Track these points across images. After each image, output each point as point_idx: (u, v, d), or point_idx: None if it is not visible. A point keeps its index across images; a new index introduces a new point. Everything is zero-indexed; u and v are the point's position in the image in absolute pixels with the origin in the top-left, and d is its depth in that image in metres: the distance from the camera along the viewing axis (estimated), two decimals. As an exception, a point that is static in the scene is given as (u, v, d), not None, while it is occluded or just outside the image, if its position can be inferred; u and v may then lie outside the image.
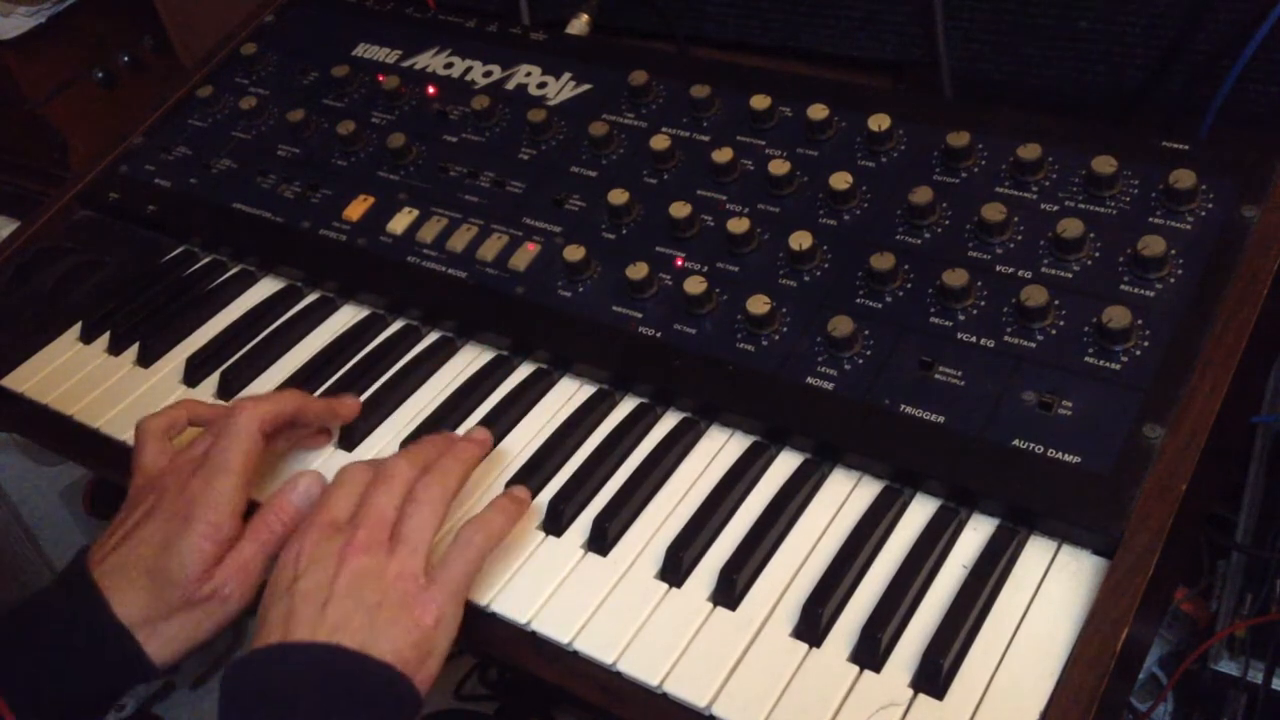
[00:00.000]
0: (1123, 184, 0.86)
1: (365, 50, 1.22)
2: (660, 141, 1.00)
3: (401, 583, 0.74)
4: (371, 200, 1.07)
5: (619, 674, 0.74)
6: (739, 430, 0.86)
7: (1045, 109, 1.04)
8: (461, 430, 0.89)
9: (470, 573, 0.77)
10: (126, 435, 0.96)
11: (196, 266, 1.11)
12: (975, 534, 0.77)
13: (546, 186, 1.03)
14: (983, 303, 0.84)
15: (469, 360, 0.96)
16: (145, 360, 1.03)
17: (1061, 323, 0.81)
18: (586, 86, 1.10)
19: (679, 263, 0.93)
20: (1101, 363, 0.78)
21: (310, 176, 1.12)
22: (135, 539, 0.80)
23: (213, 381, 0.99)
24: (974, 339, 0.82)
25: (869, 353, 0.84)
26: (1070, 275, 0.83)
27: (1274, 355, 0.95)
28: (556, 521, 0.82)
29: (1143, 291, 0.81)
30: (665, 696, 0.72)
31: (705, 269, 0.92)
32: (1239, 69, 0.94)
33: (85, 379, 1.02)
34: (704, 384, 0.86)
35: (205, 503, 0.80)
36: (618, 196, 0.97)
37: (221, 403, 0.90)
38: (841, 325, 0.83)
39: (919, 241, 0.89)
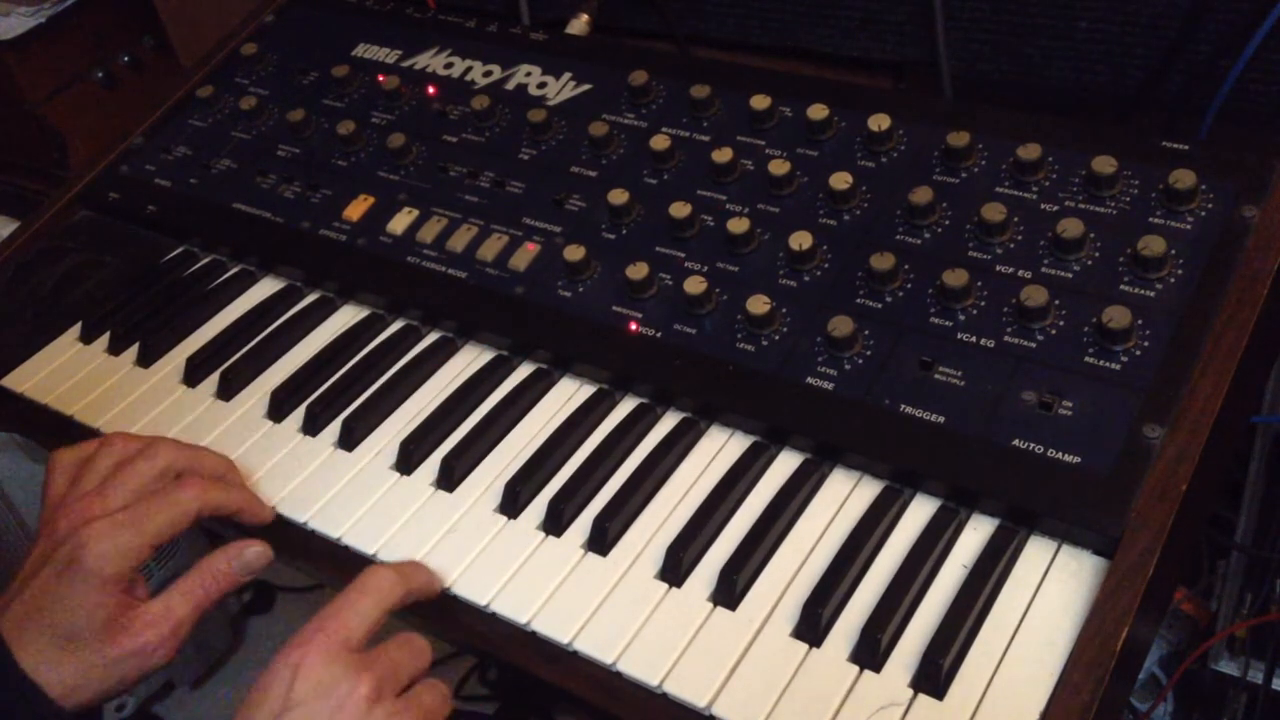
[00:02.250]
0: (1123, 184, 0.86)
1: (365, 50, 1.22)
2: (660, 141, 1.00)
3: None
4: (371, 200, 1.07)
5: (619, 674, 0.74)
6: (739, 430, 0.86)
7: (1045, 109, 1.04)
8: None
9: None
10: (126, 435, 0.96)
11: (196, 266, 1.11)
12: (975, 534, 0.77)
13: (546, 186, 1.03)
14: (983, 303, 0.84)
15: (469, 360, 0.96)
16: (145, 360, 1.03)
17: (1061, 323, 0.81)
18: (586, 86, 1.10)
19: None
20: (1101, 363, 0.78)
21: (310, 176, 1.12)
22: (33, 587, 0.76)
23: (213, 381, 0.99)
24: (974, 339, 0.82)
25: (869, 353, 0.84)
26: (1070, 275, 0.83)
27: (1274, 355, 0.95)
28: (556, 521, 0.82)
29: (1143, 291, 0.81)
30: (665, 696, 0.72)
31: (705, 269, 0.92)
32: (1239, 69, 0.94)
33: (85, 379, 1.02)
34: (704, 384, 0.86)
35: (100, 554, 0.76)
36: (618, 196, 0.97)
37: (147, 437, 0.85)
38: (841, 325, 0.83)
39: (919, 241, 0.89)
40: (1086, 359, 0.79)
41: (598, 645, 0.75)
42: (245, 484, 0.88)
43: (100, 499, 0.80)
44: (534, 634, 0.77)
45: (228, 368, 0.99)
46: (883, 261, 0.86)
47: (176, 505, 0.80)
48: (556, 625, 0.76)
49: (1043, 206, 0.87)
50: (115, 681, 0.76)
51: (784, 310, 0.87)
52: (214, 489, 0.83)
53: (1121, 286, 0.81)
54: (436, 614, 0.80)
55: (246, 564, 0.81)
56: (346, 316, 1.03)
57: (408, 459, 0.89)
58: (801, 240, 0.89)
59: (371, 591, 0.75)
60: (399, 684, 0.73)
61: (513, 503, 0.84)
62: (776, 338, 0.86)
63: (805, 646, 0.73)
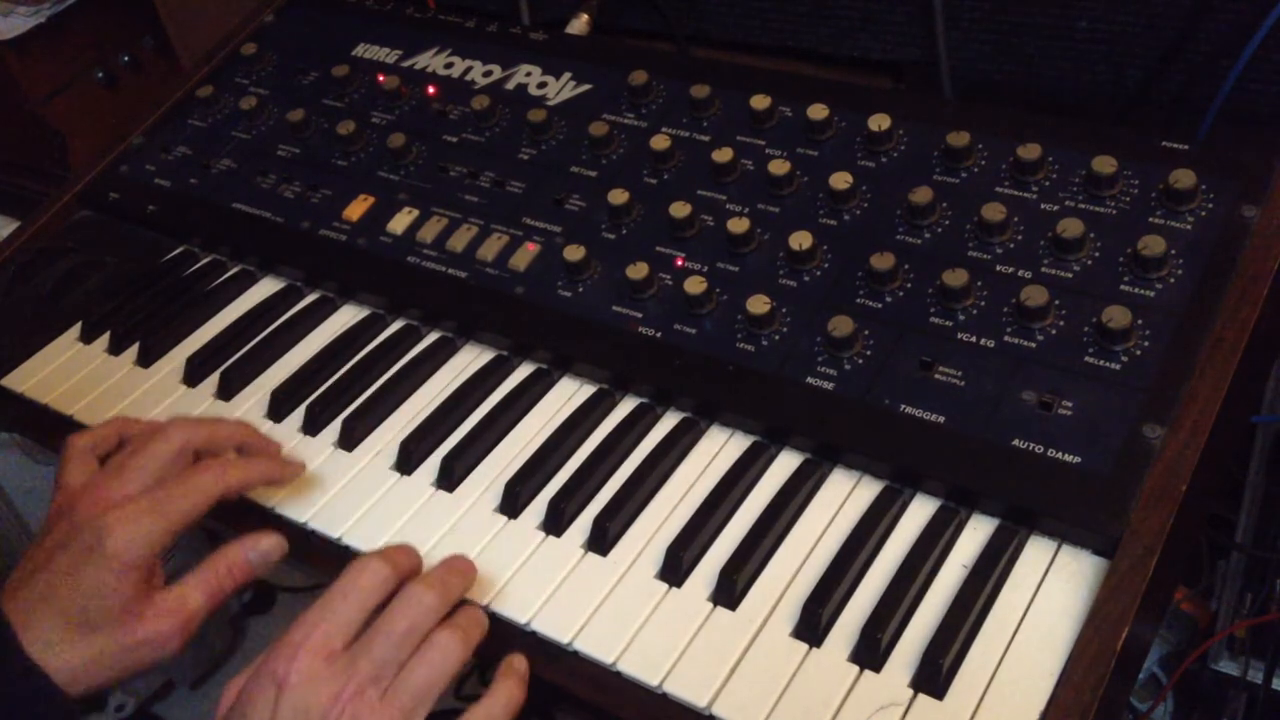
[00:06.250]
0: (1123, 184, 0.86)
1: (365, 50, 1.22)
2: (660, 141, 1.00)
3: None
4: (371, 200, 1.07)
5: (619, 674, 0.74)
6: (739, 430, 0.86)
7: (1045, 109, 1.04)
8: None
9: None
10: (126, 435, 0.96)
11: (196, 266, 1.11)
12: (975, 534, 0.77)
13: (546, 186, 1.03)
14: (983, 303, 0.84)
15: (469, 360, 0.96)
16: (145, 360, 1.03)
17: (1061, 323, 0.81)
18: (586, 86, 1.10)
19: (679, 262, 0.93)
20: (1101, 363, 0.78)
21: (310, 176, 1.12)
22: (49, 570, 0.75)
23: (213, 381, 0.99)
24: (974, 339, 0.82)
25: (869, 353, 0.84)
26: (1070, 275, 0.83)
27: (1274, 355, 0.95)
28: (556, 521, 0.82)
29: (1143, 291, 0.81)
30: (665, 696, 0.72)
31: (705, 269, 0.92)
32: (1239, 69, 0.94)
33: (85, 379, 1.02)
34: (704, 384, 0.86)
35: (123, 539, 0.75)
36: (618, 196, 0.97)
37: (161, 421, 0.86)
38: (841, 325, 0.83)
39: (919, 241, 0.89)
40: (1086, 359, 0.79)
41: (598, 645, 0.75)
42: (267, 447, 0.88)
43: (119, 484, 0.79)
44: (534, 634, 0.77)
45: (228, 367, 0.99)
46: (883, 261, 0.86)
47: (197, 490, 0.79)
48: (556, 625, 0.76)
49: (1043, 206, 0.87)
50: (124, 669, 0.75)
51: (784, 310, 0.87)
52: (233, 468, 0.82)
53: (1121, 286, 0.81)
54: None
55: (263, 555, 0.80)
56: (346, 316, 1.03)
57: (408, 459, 0.89)
58: (801, 240, 0.89)
59: (359, 592, 0.73)
60: (386, 680, 0.71)
61: (513, 503, 0.84)
62: (776, 338, 0.86)
63: (805, 646, 0.73)
